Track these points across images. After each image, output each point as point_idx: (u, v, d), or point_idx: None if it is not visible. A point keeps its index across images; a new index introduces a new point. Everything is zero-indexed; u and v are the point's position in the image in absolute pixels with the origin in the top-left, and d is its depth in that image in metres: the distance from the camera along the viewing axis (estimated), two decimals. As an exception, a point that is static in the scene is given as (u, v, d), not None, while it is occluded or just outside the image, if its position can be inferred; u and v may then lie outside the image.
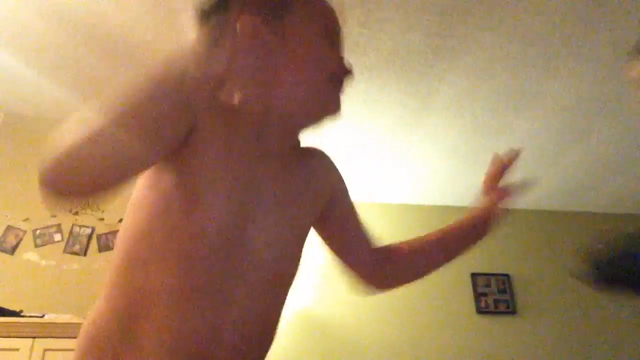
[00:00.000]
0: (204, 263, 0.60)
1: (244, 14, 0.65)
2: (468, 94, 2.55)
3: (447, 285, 3.33)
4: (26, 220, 2.73)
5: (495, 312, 3.33)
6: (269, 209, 0.66)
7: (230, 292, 0.60)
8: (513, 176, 0.88)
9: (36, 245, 2.69)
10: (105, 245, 2.76)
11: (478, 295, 3.35)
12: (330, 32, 0.71)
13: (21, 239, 2.69)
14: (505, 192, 0.87)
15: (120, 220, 0.67)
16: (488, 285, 3.40)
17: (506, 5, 2.00)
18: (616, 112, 2.67)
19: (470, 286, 3.37)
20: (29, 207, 2.77)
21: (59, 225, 2.77)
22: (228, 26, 0.64)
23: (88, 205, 2.79)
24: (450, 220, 0.90)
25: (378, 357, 3.09)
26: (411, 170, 3.28)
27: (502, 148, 3.18)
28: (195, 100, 0.60)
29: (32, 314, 2.21)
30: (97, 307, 0.61)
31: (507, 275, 3.44)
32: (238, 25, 0.63)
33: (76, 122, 0.52)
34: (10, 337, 2.05)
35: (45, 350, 2.04)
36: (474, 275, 3.39)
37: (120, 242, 0.63)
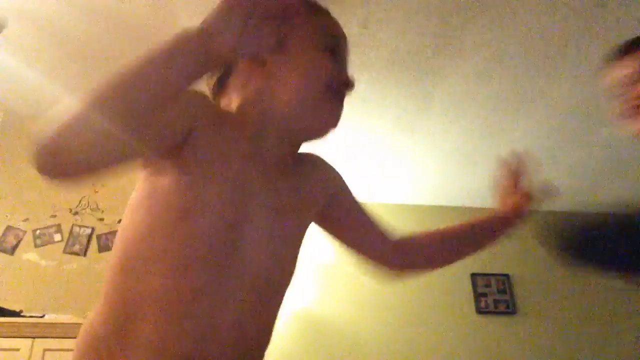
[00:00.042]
0: (201, 265, 0.60)
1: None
2: (468, 94, 2.55)
3: (447, 285, 3.33)
4: (26, 220, 2.73)
5: (495, 312, 3.33)
6: (265, 212, 0.66)
7: (227, 293, 0.60)
8: (531, 179, 0.88)
9: (36, 246, 2.69)
10: (105, 245, 2.76)
11: (478, 296, 3.35)
12: (332, 46, 0.72)
13: (21, 239, 2.69)
14: (527, 196, 0.87)
15: (120, 221, 0.67)
16: (488, 286, 3.40)
17: (506, 6, 2.00)
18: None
19: (470, 286, 3.37)
20: (29, 207, 2.77)
21: (59, 225, 2.77)
22: None
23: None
24: (449, 221, 0.90)
25: (378, 357, 3.09)
26: (410, 171, 3.28)
27: (501, 149, 3.20)
28: (196, 105, 0.61)
29: (32, 314, 2.22)
30: (95, 308, 0.62)
31: (507, 275, 3.44)
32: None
33: (69, 106, 0.52)
34: (10, 337, 2.06)
35: (45, 350, 2.04)
36: (473, 275, 3.39)
37: (118, 243, 0.63)
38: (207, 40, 0.51)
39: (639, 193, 3.41)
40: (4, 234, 2.67)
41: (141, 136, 0.53)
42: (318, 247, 3.18)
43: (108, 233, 2.78)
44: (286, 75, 0.69)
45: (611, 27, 2.10)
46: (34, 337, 2.07)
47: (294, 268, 0.72)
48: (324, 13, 0.76)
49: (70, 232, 2.76)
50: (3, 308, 2.21)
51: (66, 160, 0.50)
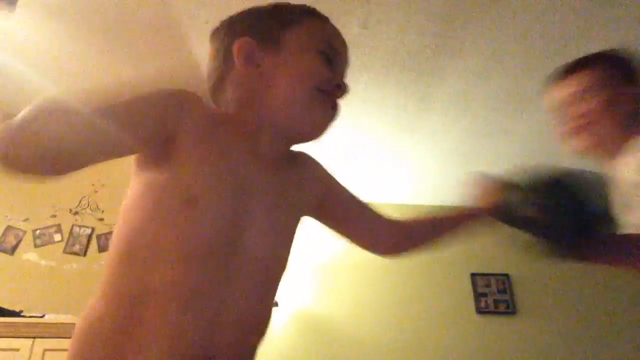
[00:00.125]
0: (202, 261, 0.61)
1: (241, 36, 0.72)
2: (467, 94, 2.55)
3: (447, 286, 3.33)
4: (26, 220, 2.74)
5: (495, 312, 3.33)
6: (263, 205, 0.68)
7: (227, 289, 0.62)
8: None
9: (36, 246, 2.69)
10: (105, 245, 2.76)
11: (478, 296, 3.35)
12: (328, 52, 0.74)
13: (21, 239, 2.69)
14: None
15: (120, 221, 0.68)
16: (488, 285, 3.40)
17: (506, 6, 2.00)
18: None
19: (470, 286, 3.37)
20: (29, 207, 2.77)
21: (58, 225, 2.77)
22: (228, 47, 0.73)
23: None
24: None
25: (378, 357, 3.09)
26: (410, 171, 3.28)
27: (501, 149, 3.20)
28: (177, 104, 0.65)
29: (32, 314, 2.22)
30: (92, 308, 0.61)
31: (507, 275, 3.44)
32: (234, 48, 0.71)
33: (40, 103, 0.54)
34: (10, 337, 2.06)
35: (45, 350, 2.04)
36: (473, 275, 3.39)
37: (115, 242, 0.64)
38: None
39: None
40: (4, 234, 2.67)
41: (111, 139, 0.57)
42: (318, 247, 3.18)
43: (108, 233, 2.78)
44: (280, 78, 0.71)
45: (611, 27, 2.10)
46: (34, 337, 2.07)
47: (288, 260, 0.74)
48: (324, 20, 0.78)
49: (70, 232, 2.76)
50: (3, 308, 2.21)
51: (31, 154, 0.53)
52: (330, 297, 3.25)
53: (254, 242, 0.66)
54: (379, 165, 3.22)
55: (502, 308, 3.34)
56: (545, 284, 3.40)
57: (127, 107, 0.60)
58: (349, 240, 0.89)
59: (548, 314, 3.33)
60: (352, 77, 2.43)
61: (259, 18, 0.76)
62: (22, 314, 2.22)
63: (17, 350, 2.03)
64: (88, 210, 2.84)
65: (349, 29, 2.10)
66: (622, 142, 0.96)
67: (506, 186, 0.82)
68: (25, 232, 2.70)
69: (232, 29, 0.76)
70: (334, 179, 0.86)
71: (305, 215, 0.81)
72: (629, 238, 0.82)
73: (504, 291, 3.39)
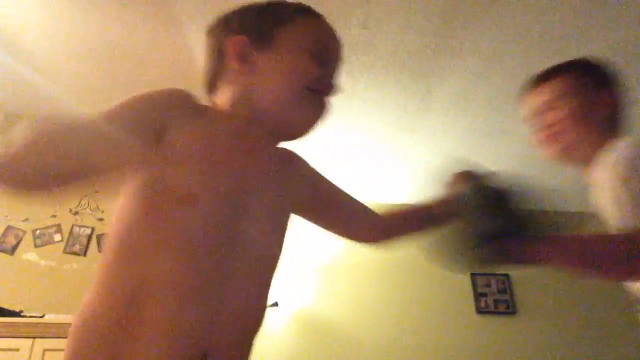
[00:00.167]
0: (200, 257, 0.62)
1: (234, 34, 0.74)
2: (468, 94, 2.55)
3: (447, 285, 3.33)
4: (26, 220, 2.74)
5: (495, 312, 3.33)
6: (257, 204, 0.69)
7: (225, 284, 0.63)
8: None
9: (36, 246, 2.69)
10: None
11: (478, 295, 3.35)
12: (320, 51, 0.75)
13: (21, 239, 2.69)
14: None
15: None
16: (488, 285, 3.40)
17: (506, 6, 2.00)
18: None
19: (470, 286, 3.37)
20: (29, 207, 2.77)
21: (59, 225, 2.77)
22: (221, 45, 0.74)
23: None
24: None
25: (378, 357, 3.09)
26: (410, 171, 3.28)
27: (501, 148, 3.20)
28: (168, 103, 0.67)
29: (32, 314, 2.21)
30: (87, 306, 0.61)
31: (507, 275, 3.44)
32: (227, 46, 0.73)
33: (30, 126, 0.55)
34: (10, 337, 2.06)
35: (45, 350, 2.04)
36: (473, 276, 3.39)
37: (111, 240, 0.64)
38: None
39: None
40: (4, 234, 2.67)
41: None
42: (318, 247, 3.18)
43: (108, 233, 2.78)
44: (270, 75, 0.72)
45: (611, 27, 2.10)
46: (34, 337, 2.07)
47: (280, 257, 0.75)
48: (318, 19, 0.79)
49: (70, 232, 2.76)
50: (3, 308, 2.21)
51: (26, 173, 0.54)
52: (330, 297, 3.25)
53: (251, 238, 0.67)
54: (379, 165, 3.22)
55: (502, 308, 3.34)
56: (545, 284, 3.41)
57: (120, 112, 0.62)
58: (336, 233, 0.90)
59: (548, 314, 3.33)
60: (352, 77, 2.44)
61: (254, 16, 0.77)
62: (22, 314, 2.22)
63: (17, 350, 2.03)
64: (88, 210, 2.84)
65: (349, 29, 2.10)
66: (597, 148, 0.97)
67: (469, 181, 0.82)
68: (25, 232, 2.70)
69: (226, 26, 0.77)
70: (320, 174, 0.88)
71: (294, 211, 0.82)
72: (574, 239, 0.81)
73: (504, 291, 3.39)
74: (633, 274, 0.81)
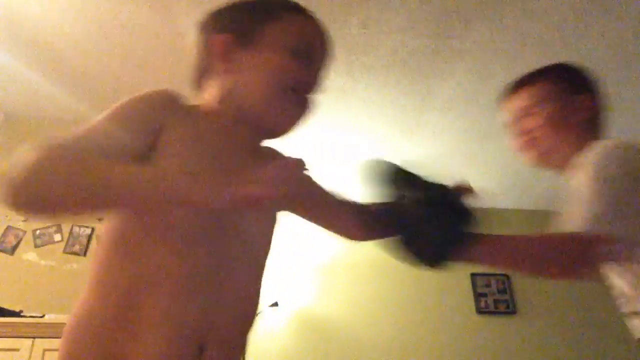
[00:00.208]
0: (195, 249, 0.62)
1: (219, 32, 0.74)
2: (468, 94, 2.55)
3: (447, 285, 3.33)
4: (26, 220, 2.73)
5: (495, 312, 3.33)
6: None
7: (221, 274, 0.64)
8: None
9: (36, 246, 2.69)
10: (105, 245, 2.76)
11: (478, 296, 3.35)
12: (303, 49, 0.74)
13: (21, 239, 2.69)
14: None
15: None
16: (488, 285, 3.40)
17: (506, 6, 2.00)
18: (616, 113, 2.66)
19: (470, 286, 3.37)
20: (29, 207, 2.76)
21: (59, 225, 2.77)
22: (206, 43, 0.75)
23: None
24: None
25: (378, 357, 3.09)
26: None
27: (501, 149, 3.20)
28: (160, 107, 0.68)
29: (32, 314, 2.21)
30: (82, 304, 0.61)
31: (507, 276, 3.44)
32: (212, 44, 0.74)
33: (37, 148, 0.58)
34: (10, 337, 2.05)
35: (45, 350, 2.04)
36: (473, 275, 3.39)
37: (105, 238, 0.64)
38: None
39: None
40: (4, 234, 2.67)
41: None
42: (317, 247, 3.18)
43: (108, 233, 2.78)
44: (253, 74, 0.73)
45: (611, 28, 2.10)
46: (34, 337, 2.07)
47: (270, 250, 0.76)
48: (304, 16, 0.79)
49: (70, 232, 2.76)
50: (3, 308, 2.21)
51: (41, 195, 0.55)
52: (329, 296, 3.25)
53: (242, 234, 0.68)
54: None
55: (502, 308, 3.34)
56: (545, 284, 3.40)
57: (118, 120, 0.64)
58: (326, 229, 0.90)
59: (548, 314, 3.33)
60: (352, 77, 2.44)
61: (240, 13, 0.77)
62: (22, 314, 2.22)
63: (17, 350, 2.03)
64: (88, 210, 2.84)
65: (349, 29, 2.10)
66: (576, 152, 0.97)
67: (404, 182, 0.81)
68: (25, 232, 2.70)
69: (213, 24, 0.78)
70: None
71: (281, 208, 0.82)
72: (512, 240, 0.81)
73: (504, 291, 3.39)
74: (572, 274, 0.81)
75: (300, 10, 0.78)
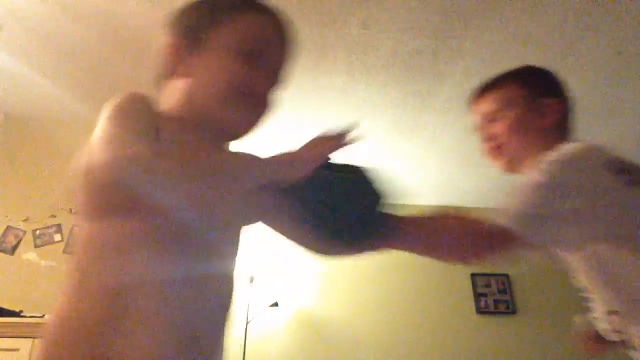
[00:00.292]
0: (180, 248, 0.63)
1: (176, 35, 0.74)
2: (468, 94, 2.54)
3: (447, 286, 3.33)
4: (26, 220, 2.74)
5: (495, 312, 3.33)
6: (220, 195, 0.70)
7: (204, 273, 0.65)
8: None
9: (36, 246, 2.69)
10: (105, 245, 2.76)
11: (478, 296, 3.35)
12: (252, 50, 0.72)
13: (21, 239, 2.69)
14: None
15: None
16: (488, 286, 3.40)
17: (506, 6, 2.00)
18: (616, 113, 2.67)
19: (470, 286, 3.37)
20: (29, 207, 2.77)
21: (59, 225, 2.77)
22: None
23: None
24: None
25: (378, 357, 3.09)
26: (411, 170, 3.28)
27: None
28: (149, 112, 0.69)
29: (32, 314, 2.22)
30: (65, 306, 0.60)
31: (506, 276, 3.44)
32: (164, 48, 0.74)
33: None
34: (10, 337, 2.05)
35: (45, 350, 2.04)
36: (473, 276, 3.39)
37: (87, 239, 0.64)
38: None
39: None
40: (4, 234, 2.67)
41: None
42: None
43: (108, 233, 2.78)
44: (203, 79, 0.71)
45: (611, 28, 2.10)
46: (34, 337, 2.07)
47: (237, 252, 0.76)
48: (255, 13, 0.75)
49: (71, 232, 2.76)
50: (3, 308, 2.21)
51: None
52: (329, 297, 3.25)
53: (219, 225, 0.68)
54: (378, 166, 3.21)
55: (502, 308, 3.35)
56: (545, 284, 3.41)
57: (124, 131, 0.63)
58: (287, 239, 0.88)
59: (548, 314, 3.33)
60: (352, 77, 2.44)
61: (190, 16, 0.76)
62: (22, 314, 2.22)
63: (17, 350, 2.03)
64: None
65: (349, 29, 2.10)
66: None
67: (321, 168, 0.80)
68: (25, 232, 2.70)
69: (171, 28, 0.76)
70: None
71: (250, 212, 0.81)
72: (423, 222, 0.83)
73: (504, 291, 3.39)
74: (477, 260, 0.82)
75: (252, 8, 0.76)
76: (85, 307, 0.59)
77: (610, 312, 0.88)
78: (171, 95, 0.74)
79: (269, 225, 0.84)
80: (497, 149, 1.05)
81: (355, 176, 0.72)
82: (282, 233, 0.85)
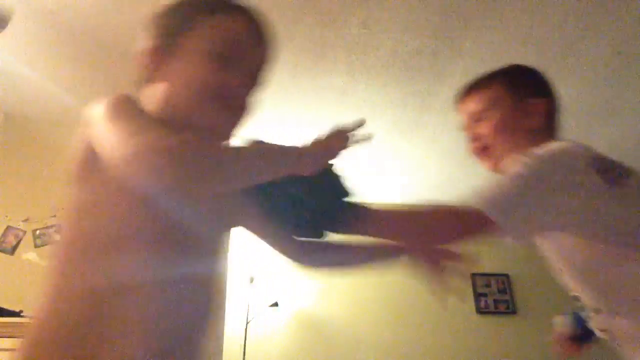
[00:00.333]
0: (165, 250, 0.63)
1: (152, 39, 0.73)
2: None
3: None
4: (26, 220, 2.74)
5: (495, 312, 3.33)
6: (208, 198, 0.71)
7: (188, 274, 0.65)
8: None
9: (36, 246, 2.69)
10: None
11: (478, 296, 3.35)
12: (225, 52, 0.71)
13: (21, 239, 2.69)
14: (449, 255, 0.86)
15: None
16: (488, 285, 3.40)
17: (506, 6, 2.00)
18: (616, 113, 2.67)
19: (470, 286, 3.37)
20: (29, 207, 2.77)
21: (59, 225, 2.77)
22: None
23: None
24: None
25: (377, 357, 3.09)
26: (410, 171, 3.28)
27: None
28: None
29: (32, 314, 2.21)
30: (47, 307, 0.60)
31: (507, 275, 3.44)
32: (138, 53, 0.73)
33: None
34: (10, 337, 2.05)
35: (45, 350, 2.04)
36: (473, 276, 3.39)
37: (71, 240, 0.63)
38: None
39: None
40: (4, 234, 2.67)
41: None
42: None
43: (108, 233, 2.78)
44: (177, 84, 0.70)
45: (611, 28, 2.10)
46: (34, 337, 2.07)
47: (225, 253, 0.76)
48: (232, 14, 0.74)
49: (70, 232, 2.76)
50: (3, 308, 2.21)
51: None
52: (330, 297, 3.25)
53: (205, 227, 0.69)
54: (379, 165, 3.22)
55: (502, 308, 3.35)
56: (545, 284, 3.40)
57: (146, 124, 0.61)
58: (272, 247, 0.88)
59: (548, 314, 3.32)
60: (352, 77, 2.44)
61: (167, 20, 0.75)
62: (22, 314, 2.22)
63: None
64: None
65: (349, 29, 2.10)
66: None
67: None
68: (25, 232, 2.70)
69: (147, 33, 0.75)
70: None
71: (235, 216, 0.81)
72: (401, 211, 0.83)
73: (504, 291, 3.39)
74: (454, 241, 0.83)
75: (226, 10, 0.74)
76: (65, 308, 0.58)
77: (596, 311, 0.88)
78: (150, 101, 0.72)
79: (247, 228, 0.84)
80: (483, 149, 1.05)
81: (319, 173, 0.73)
82: (260, 236, 0.86)
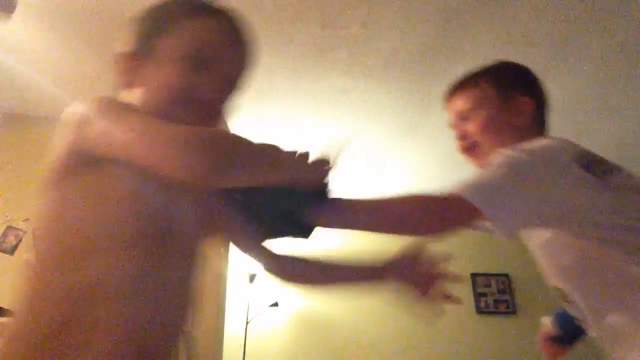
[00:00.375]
0: (140, 254, 0.62)
1: (130, 44, 0.72)
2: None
3: (447, 285, 3.33)
4: (26, 220, 2.73)
5: (495, 312, 3.33)
6: (187, 201, 0.71)
7: (164, 274, 0.64)
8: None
9: (36, 246, 2.69)
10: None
11: (478, 296, 3.35)
12: (199, 56, 0.70)
13: (21, 239, 2.69)
14: (430, 277, 0.87)
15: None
16: (488, 285, 3.40)
17: (506, 7, 2.00)
18: (615, 112, 2.67)
19: (470, 286, 3.37)
20: (29, 207, 2.77)
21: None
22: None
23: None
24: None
25: (378, 356, 3.09)
26: (410, 171, 3.28)
27: (502, 148, 3.14)
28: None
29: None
30: (23, 309, 0.60)
31: (507, 275, 3.44)
32: (116, 59, 0.73)
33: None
34: (10, 337, 2.05)
35: (45, 350, 2.04)
36: (473, 276, 3.39)
37: (47, 242, 0.63)
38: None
39: None
40: (4, 234, 2.67)
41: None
42: (317, 247, 3.18)
43: (108, 233, 2.78)
44: (153, 88, 0.70)
45: (611, 28, 2.10)
46: (34, 337, 2.07)
47: (203, 256, 0.76)
48: (207, 17, 0.73)
49: (70, 232, 2.76)
50: (3, 308, 2.21)
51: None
52: (330, 297, 3.25)
53: (184, 230, 0.68)
54: (379, 166, 3.22)
55: (502, 308, 3.35)
56: (545, 284, 3.40)
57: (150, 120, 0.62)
58: (255, 258, 0.88)
59: (548, 314, 3.33)
60: (352, 77, 2.44)
61: (143, 25, 0.74)
62: (22, 314, 2.22)
63: (17, 350, 2.03)
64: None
65: (349, 29, 2.10)
66: None
67: None
68: (25, 232, 2.70)
69: (124, 38, 0.75)
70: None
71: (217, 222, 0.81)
72: (371, 200, 0.85)
73: (504, 291, 3.40)
74: (431, 232, 0.83)
75: (202, 14, 0.73)
76: (42, 309, 0.58)
77: (585, 309, 0.89)
78: (137, 102, 0.72)
79: (228, 237, 0.84)
80: (470, 148, 1.05)
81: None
82: (241, 247, 0.86)
